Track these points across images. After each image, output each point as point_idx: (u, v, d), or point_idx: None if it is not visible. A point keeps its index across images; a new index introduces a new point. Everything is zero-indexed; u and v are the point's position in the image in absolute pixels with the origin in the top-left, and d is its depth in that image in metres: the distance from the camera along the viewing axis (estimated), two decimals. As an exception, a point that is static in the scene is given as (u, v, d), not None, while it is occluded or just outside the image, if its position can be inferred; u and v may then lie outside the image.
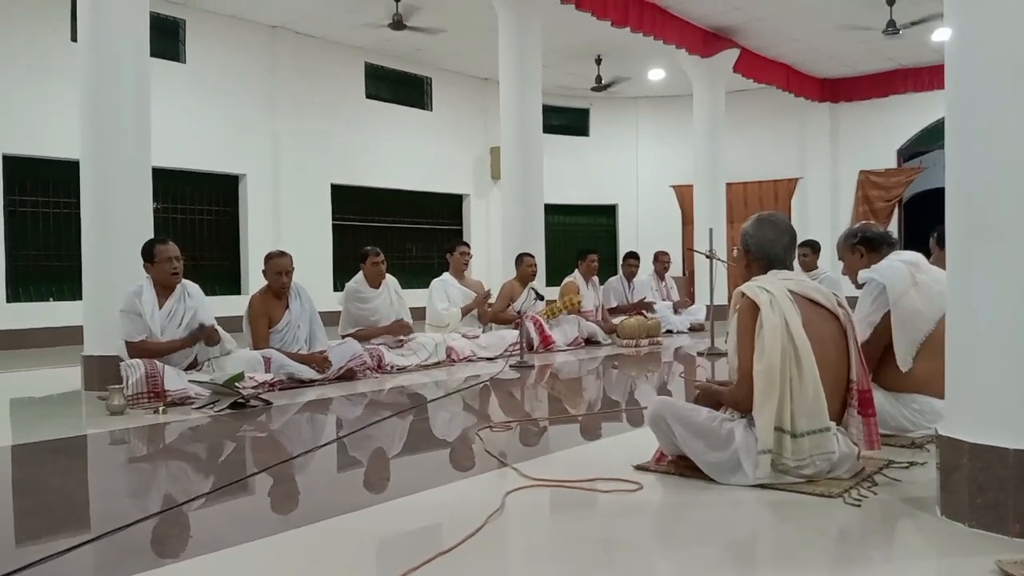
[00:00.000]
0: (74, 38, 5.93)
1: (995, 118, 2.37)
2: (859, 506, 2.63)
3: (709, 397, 3.13)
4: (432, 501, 2.87)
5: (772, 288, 2.85)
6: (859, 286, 3.75)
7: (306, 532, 2.52)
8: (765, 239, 3.03)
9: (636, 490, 2.86)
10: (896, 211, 14.63)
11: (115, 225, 5.80)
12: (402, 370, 6.51)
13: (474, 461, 3.51)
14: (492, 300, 8.04)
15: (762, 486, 2.81)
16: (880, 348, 3.59)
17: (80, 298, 6.04)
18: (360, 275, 6.87)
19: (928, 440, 3.37)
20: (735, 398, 2.92)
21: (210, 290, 10.56)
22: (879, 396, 3.54)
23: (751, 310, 2.84)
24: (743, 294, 2.89)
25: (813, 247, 8.19)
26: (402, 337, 6.88)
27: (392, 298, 6.87)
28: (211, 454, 4.00)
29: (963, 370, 2.49)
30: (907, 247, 13.83)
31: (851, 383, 2.94)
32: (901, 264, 3.62)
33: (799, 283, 2.96)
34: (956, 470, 2.43)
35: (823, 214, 15.06)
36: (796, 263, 8.72)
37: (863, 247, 3.82)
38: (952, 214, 2.53)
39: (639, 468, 3.14)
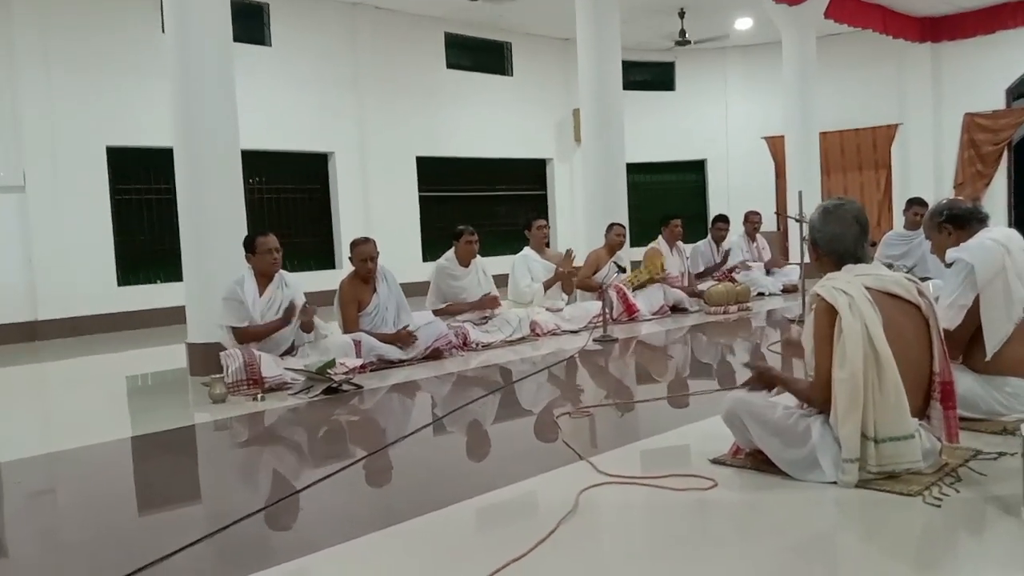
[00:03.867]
0: (164, 30, 6.16)
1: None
2: (939, 506, 2.57)
3: (765, 380, 3.08)
4: (507, 500, 2.96)
5: (850, 289, 2.76)
6: (948, 265, 3.61)
7: (381, 537, 2.64)
8: (833, 234, 2.93)
9: (711, 487, 2.88)
10: (1005, 155, 13.79)
11: (209, 211, 6.05)
12: (487, 347, 6.62)
13: (551, 453, 3.57)
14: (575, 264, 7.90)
15: (840, 482, 2.78)
16: (970, 331, 3.45)
17: (182, 279, 6.38)
18: (451, 252, 6.98)
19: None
20: (811, 398, 2.88)
21: (304, 266, 11.14)
22: (969, 379, 3.44)
23: (829, 314, 2.76)
24: (819, 296, 2.82)
25: (926, 207, 7.79)
26: (489, 313, 6.98)
27: (480, 278, 6.99)
28: (297, 447, 4.22)
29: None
30: (1018, 191, 12.89)
31: (934, 375, 2.85)
32: (991, 242, 3.45)
33: (876, 277, 2.86)
34: (1041, 473, 2.35)
35: (926, 160, 14.35)
36: (903, 223, 8.30)
37: (950, 224, 3.65)
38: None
39: (715, 462, 3.14)
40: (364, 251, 6.02)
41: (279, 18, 11.24)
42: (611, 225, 8.32)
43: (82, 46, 9.44)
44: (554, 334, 7.17)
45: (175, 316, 8.93)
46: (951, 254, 3.57)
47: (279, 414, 4.73)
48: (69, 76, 9.36)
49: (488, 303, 6.95)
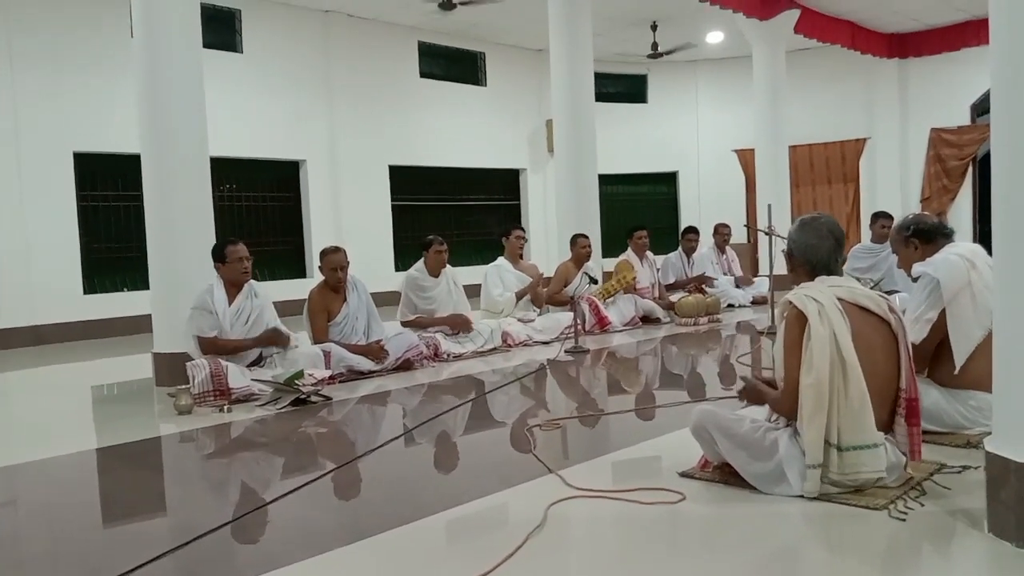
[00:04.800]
0: (133, 34, 6.09)
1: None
2: (904, 520, 2.59)
3: (753, 394, 3.11)
4: (476, 514, 2.94)
5: (821, 297, 2.80)
6: (914, 279, 3.66)
7: (348, 551, 2.60)
8: (808, 244, 2.96)
9: (679, 501, 2.88)
10: (970, 170, 14.04)
11: (177, 218, 5.98)
12: (458, 357, 6.59)
13: (521, 466, 3.55)
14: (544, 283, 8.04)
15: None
16: (935, 344, 3.50)
17: (149, 288, 6.27)
18: (421, 263, 6.94)
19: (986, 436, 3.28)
20: (780, 408, 2.90)
21: (275, 274, 11.05)
22: (935, 393, 3.48)
23: (799, 320, 2.79)
24: (791, 303, 2.85)
25: (893, 220, 7.93)
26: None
27: (450, 287, 6.94)
28: (264, 460, 4.16)
29: (1010, 382, 2.41)
30: (982, 206, 13.15)
31: (900, 391, 2.88)
32: (957, 258, 3.50)
33: (849, 290, 2.90)
34: (1003, 488, 2.38)
35: (893, 175, 14.57)
36: (871, 236, 8.41)
37: (917, 239, 3.71)
38: (1000, 201, 2.38)
39: (684, 475, 3.14)
40: (334, 260, 5.98)
41: (251, 25, 11.15)
42: (575, 237, 8.30)
43: (49, 49, 9.28)
44: (526, 345, 7.16)
45: (142, 325, 8.82)
46: (917, 268, 3.63)
47: (246, 426, 4.67)
48: (35, 80, 9.20)
49: (459, 323, 6.84)
